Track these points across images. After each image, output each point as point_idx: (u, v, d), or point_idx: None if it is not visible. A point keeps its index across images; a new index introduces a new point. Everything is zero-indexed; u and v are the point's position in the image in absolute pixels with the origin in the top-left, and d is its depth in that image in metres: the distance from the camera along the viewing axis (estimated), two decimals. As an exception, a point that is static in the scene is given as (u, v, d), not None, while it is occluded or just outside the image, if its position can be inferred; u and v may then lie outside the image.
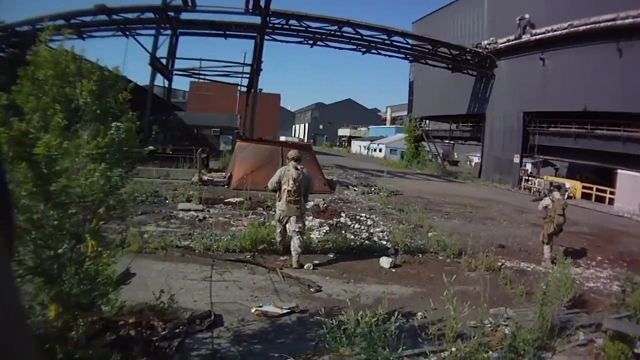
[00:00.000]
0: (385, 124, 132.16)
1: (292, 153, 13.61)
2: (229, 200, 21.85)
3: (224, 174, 30.32)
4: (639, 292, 9.26)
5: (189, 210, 18.47)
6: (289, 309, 9.47)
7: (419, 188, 36.72)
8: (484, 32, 55.84)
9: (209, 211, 18.92)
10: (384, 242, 16.11)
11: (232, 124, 57.31)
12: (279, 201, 13.36)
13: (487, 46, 53.84)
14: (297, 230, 12.93)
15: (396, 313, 7.46)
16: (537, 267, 15.54)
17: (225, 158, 37.65)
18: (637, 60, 36.76)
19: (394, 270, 13.35)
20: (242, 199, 20.94)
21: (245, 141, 30.48)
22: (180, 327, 7.94)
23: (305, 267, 12.56)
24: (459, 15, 61.61)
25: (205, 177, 28.21)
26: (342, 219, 19.53)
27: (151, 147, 34.13)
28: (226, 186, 26.50)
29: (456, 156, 77.38)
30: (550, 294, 9.57)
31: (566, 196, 18.60)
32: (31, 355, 1.37)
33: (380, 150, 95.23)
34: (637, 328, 8.09)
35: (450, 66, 55.61)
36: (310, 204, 20.64)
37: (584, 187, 43.34)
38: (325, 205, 22.83)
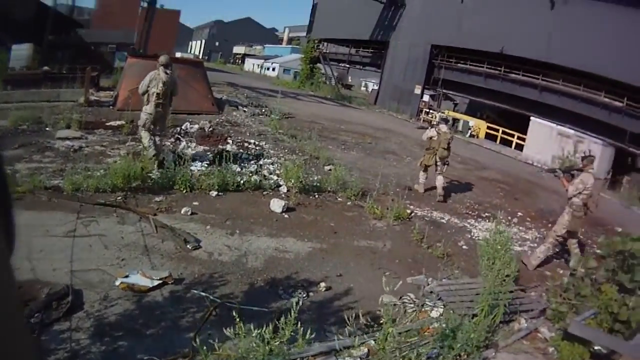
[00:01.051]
0: (281, 44, 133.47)
1: (162, 59, 14.12)
2: (110, 123, 19.94)
3: (112, 92, 28.16)
4: (607, 289, 7.62)
5: (67, 138, 16.74)
6: (160, 279, 8.16)
7: (313, 112, 35.44)
8: None
9: (86, 138, 17.18)
10: (275, 178, 15.02)
11: (128, 40, 55.43)
12: (147, 105, 13.99)
13: None
14: (157, 134, 14.55)
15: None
16: (452, 218, 14.70)
17: (118, 76, 34.90)
18: (570, 16, 36.02)
19: (286, 216, 12.25)
20: (123, 122, 19.11)
21: (136, 57, 28.17)
22: (35, 316, 6.74)
23: (182, 211, 11.36)
24: None
25: (92, 98, 26.19)
26: (228, 147, 18.14)
27: (45, 68, 32.69)
28: (111, 107, 24.61)
29: (350, 80, 76.57)
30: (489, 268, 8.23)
31: (452, 130, 18.01)
32: (30, 355, 1.24)
33: (273, 69, 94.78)
34: (614, 341, 6.91)
35: None
36: (195, 127, 20.46)
37: (488, 128, 42.62)
38: (210, 128, 21.23)
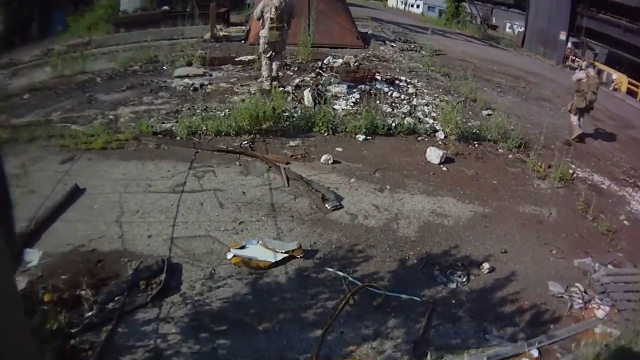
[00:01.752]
0: None
1: None
2: (240, 59, 17.81)
3: (244, 27, 26.23)
4: None
5: (186, 76, 14.91)
6: (285, 252, 6.43)
7: (463, 50, 31.67)
8: None
9: (210, 75, 15.40)
10: (431, 122, 12.83)
11: None
12: (262, 29, 13.74)
13: None
14: (277, 66, 13.94)
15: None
16: (612, 184, 12.84)
17: (249, 11, 33.35)
18: None
19: (445, 168, 10.32)
20: (255, 57, 16.81)
21: None
22: (116, 298, 5.56)
23: (322, 159, 9.85)
24: None
25: (220, 33, 24.19)
26: (376, 84, 15.62)
27: (165, 8, 31.21)
28: (243, 42, 22.47)
29: (494, 21, 73.45)
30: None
31: (603, 77, 17.84)
32: (30, 353, 1.37)
33: (417, 7, 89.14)
34: None
35: None
36: (339, 61, 17.94)
37: (630, 83, 37.34)
38: (356, 63, 18.24)
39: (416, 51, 25.00)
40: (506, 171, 11.11)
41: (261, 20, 13.80)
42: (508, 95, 19.34)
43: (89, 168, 8.64)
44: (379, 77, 16.51)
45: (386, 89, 14.96)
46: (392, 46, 25.61)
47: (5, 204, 1.37)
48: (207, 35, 22.44)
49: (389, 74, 17.35)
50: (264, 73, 13.99)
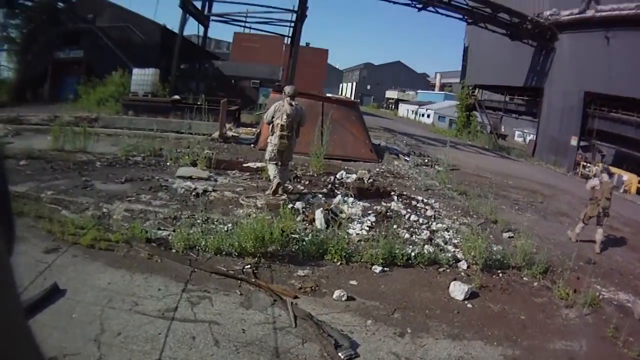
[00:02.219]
0: (433, 90, 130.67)
1: (288, 89, 13.85)
2: (248, 164, 17.34)
3: (254, 130, 26.01)
4: None
5: (190, 178, 14.07)
6: None
7: (476, 164, 31.94)
8: (545, 2, 50.21)
9: (215, 180, 14.64)
10: (452, 249, 11.76)
11: (273, 76, 53.30)
12: (271, 136, 13.61)
13: (549, 17, 48.33)
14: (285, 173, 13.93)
15: None
16: (638, 300, 11.78)
17: (261, 111, 33.29)
18: None
19: (469, 305, 9.19)
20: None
21: (281, 92, 24.45)
22: None
23: (335, 295, 8.41)
24: None
25: (229, 133, 23.81)
26: (393, 204, 14.89)
27: (176, 97, 31.61)
28: (252, 145, 22.03)
29: (503, 129, 73.20)
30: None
31: (614, 181, 17.11)
32: (31, 356, 1.21)
33: (428, 116, 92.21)
34: None
35: (508, 33, 51.65)
36: (353, 177, 17.51)
37: None
38: (370, 179, 17.93)
39: (430, 166, 24.92)
40: (533, 303, 10.13)
41: (271, 126, 13.65)
42: (527, 213, 18.70)
43: (73, 267, 7.81)
44: (394, 197, 15.82)
45: (403, 212, 14.12)
46: (406, 160, 25.38)
47: (4, 206, 1.27)
48: (216, 134, 21.96)
49: (405, 193, 16.72)
50: (271, 174, 13.71)
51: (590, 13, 43.30)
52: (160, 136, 20.52)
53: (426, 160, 27.37)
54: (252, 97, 48.70)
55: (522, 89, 56.39)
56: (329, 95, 60.02)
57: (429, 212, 14.67)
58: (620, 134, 40.41)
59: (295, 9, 42.88)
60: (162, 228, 9.90)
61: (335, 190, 15.18)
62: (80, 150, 16.40)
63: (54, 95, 42.98)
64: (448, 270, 10.63)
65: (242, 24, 52.48)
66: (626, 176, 37.22)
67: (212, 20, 47.56)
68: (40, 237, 8.82)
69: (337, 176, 17.27)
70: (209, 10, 45.18)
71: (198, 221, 10.22)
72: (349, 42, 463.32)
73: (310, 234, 10.52)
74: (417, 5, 46.99)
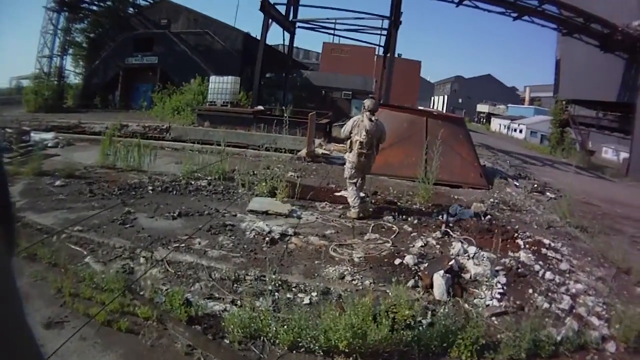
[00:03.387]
0: (523, 104, 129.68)
1: (368, 102, 12.79)
2: (341, 193, 13.86)
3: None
4: None
5: (265, 213, 11.01)
6: None
7: (580, 187, 27.19)
8: (634, 11, 46.99)
9: (299, 218, 11.38)
10: (598, 323, 8.43)
11: (366, 88, 51.36)
12: (349, 152, 12.74)
13: (638, 28, 45.50)
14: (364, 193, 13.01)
15: None
16: None
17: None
18: None
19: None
20: (362, 194, 13.21)
21: (380, 107, 20.44)
22: None
23: None
24: None
25: (318, 150, 21.08)
26: (522, 254, 11.24)
27: (260, 108, 29.60)
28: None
29: (590, 146, 70.07)
30: None
31: None
32: (32, 357, 1.26)
33: (520, 131, 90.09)
34: None
35: (599, 45, 48.37)
36: (469, 213, 14.12)
37: None
38: (487, 215, 14.41)
39: (541, 192, 22.29)
40: None
41: (349, 142, 12.68)
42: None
43: (76, 356, 5.49)
44: (520, 242, 12.47)
45: (536, 266, 10.75)
46: (516, 185, 22.55)
47: (5, 203, 1.20)
48: (303, 152, 19.32)
49: (527, 233, 13.45)
50: (351, 200, 12.41)
51: None
52: (237, 152, 18.03)
53: (535, 185, 24.30)
54: (344, 109, 46.73)
55: (614, 105, 53.54)
56: (429, 109, 57.88)
57: (563, 265, 11.29)
58: None
59: (388, 15, 40.54)
60: (215, 298, 7.01)
61: (451, 233, 11.94)
62: (133, 169, 14.14)
63: (126, 103, 42.80)
64: (596, 358, 7.61)
65: (331, 31, 50.05)
66: None
67: (299, 27, 45.67)
68: (46, 299, 6.80)
69: (450, 211, 13.99)
70: (294, 16, 43.28)
71: (269, 287, 7.10)
72: (439, 55, 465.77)
73: (429, 314, 7.44)
74: (512, 14, 44.90)
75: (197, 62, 40.60)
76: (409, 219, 12.51)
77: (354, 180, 12.50)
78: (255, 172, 14.46)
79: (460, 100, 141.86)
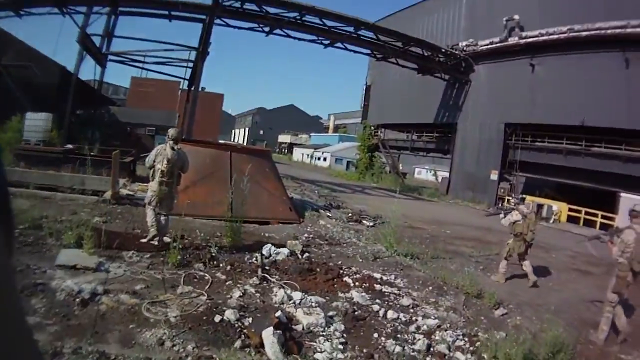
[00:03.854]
0: (327, 132, 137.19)
1: (171, 132, 13.29)
2: (147, 239, 13.25)
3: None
4: None
5: (74, 267, 10.11)
6: None
7: (402, 211, 28.41)
8: (460, 33, 51.50)
9: (107, 271, 10.34)
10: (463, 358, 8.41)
11: (170, 122, 50.21)
12: (152, 181, 12.99)
13: (465, 48, 49.35)
14: (163, 214, 12.94)
15: None
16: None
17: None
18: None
19: None
20: (168, 240, 12.95)
21: (182, 142, 20.24)
22: None
23: None
24: (427, 16, 57.08)
25: (123, 191, 20.47)
26: (354, 294, 10.95)
27: (68, 146, 28.87)
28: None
29: (401, 168, 72.15)
30: None
31: (544, 212, 17.44)
32: (32, 356, 1.33)
33: (324, 159, 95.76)
34: None
35: (418, 68, 51.37)
36: (284, 252, 13.78)
37: (570, 210, 39.97)
38: (306, 253, 14.30)
39: (358, 221, 23.01)
40: None
41: (152, 171, 12.96)
42: (496, 272, 16.06)
43: None
44: (349, 279, 12.11)
45: (375, 306, 10.33)
46: (328, 216, 22.69)
47: (4, 203, 1.25)
48: (108, 194, 18.56)
49: (355, 270, 13.15)
50: (149, 220, 13.00)
51: (513, 40, 44.46)
52: (47, 196, 17.15)
53: (350, 214, 25.01)
54: (148, 145, 44.31)
55: (431, 126, 56.39)
56: (234, 143, 57.80)
57: (405, 300, 11.03)
58: (549, 163, 41.14)
59: (196, 46, 40.91)
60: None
61: (269, 277, 11.38)
62: None
63: None
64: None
65: (140, 64, 49.81)
66: (556, 206, 38.66)
67: (110, 60, 44.99)
68: None
69: (264, 252, 13.48)
70: (107, 48, 42.50)
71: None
72: (240, 87, 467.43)
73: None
74: (324, 42, 46.31)
75: (18, 97, 39.07)
76: (221, 264, 12.00)
77: (153, 206, 12.81)
78: (62, 219, 13.71)
79: (261, 132, 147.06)
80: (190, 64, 46.46)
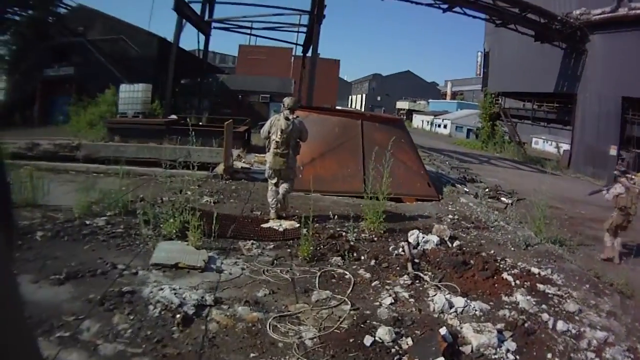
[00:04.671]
0: (445, 99, 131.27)
1: (287, 100, 12.45)
2: (270, 225, 11.21)
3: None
4: None
5: (175, 266, 7.89)
6: None
7: (531, 186, 23.36)
8: (573, 1, 47.28)
9: (218, 272, 8.11)
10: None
11: (285, 90, 49.35)
12: (267, 152, 12.38)
13: (579, 17, 45.25)
14: (281, 191, 12.09)
15: None
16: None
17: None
18: None
19: None
20: (294, 225, 11.00)
21: (304, 110, 18.35)
22: None
23: None
24: None
25: (237, 164, 18.55)
26: (518, 297, 8.59)
27: (173, 117, 27.68)
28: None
29: (517, 137, 69.23)
30: None
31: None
32: (32, 356, 1.42)
33: (445, 127, 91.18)
34: None
35: (535, 35, 48.04)
36: (433, 240, 11.07)
37: None
38: (455, 240, 11.66)
39: (496, 197, 21.52)
40: None
41: (267, 142, 12.32)
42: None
43: None
44: (509, 277, 9.56)
45: (543, 315, 8.11)
46: (466, 191, 20.31)
47: (5, 204, 1.43)
48: (220, 168, 16.53)
49: (510, 262, 10.72)
50: (270, 200, 12.19)
51: (623, 11, 41.29)
52: (145, 174, 15.31)
53: (487, 190, 22.64)
54: (262, 113, 43.97)
55: (551, 95, 53.04)
56: (362, 110, 56.28)
57: (570, 306, 8.69)
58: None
59: (309, 9, 38.70)
60: None
61: (422, 276, 9.00)
62: (28, 205, 10.96)
63: (45, 118, 40.57)
64: None
65: (247, 30, 48.37)
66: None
67: (214, 27, 43.66)
68: None
69: (411, 240, 10.89)
70: (209, 15, 41.19)
71: None
72: (355, 53, 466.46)
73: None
74: (442, 6, 43.40)
75: (112, 70, 38.60)
76: (362, 257, 9.64)
77: (274, 181, 12.16)
78: (163, 200, 11.90)
79: (379, 98, 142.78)
80: (302, 29, 45.39)
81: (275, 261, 8.99)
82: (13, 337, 1.16)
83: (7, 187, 1.41)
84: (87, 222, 10.03)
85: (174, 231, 9.33)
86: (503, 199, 20.40)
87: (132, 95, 29.37)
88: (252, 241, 9.78)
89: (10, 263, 1.23)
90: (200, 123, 26.86)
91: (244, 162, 19.61)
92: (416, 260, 9.77)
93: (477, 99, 72.46)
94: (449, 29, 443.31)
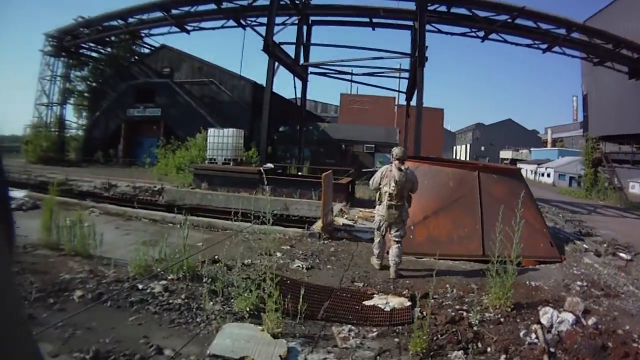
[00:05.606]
0: (545, 146, 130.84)
1: (396, 151, 12.00)
2: (373, 300, 8.80)
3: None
4: None
5: None
6: None
7: None
8: None
9: None
10: None
11: (390, 139, 47.97)
12: (379, 204, 11.89)
13: None
14: (396, 239, 11.49)
15: None
16: None
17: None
18: None
19: None
20: (404, 303, 8.71)
21: (413, 160, 15.81)
22: None
23: None
24: (629, 12, 49.85)
25: (339, 220, 16.75)
26: None
27: (269, 165, 26.49)
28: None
29: (616, 181, 66.75)
30: None
31: None
32: (31, 355, 1.40)
33: (548, 175, 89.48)
34: None
35: (629, 71, 44.81)
36: (568, 320, 8.53)
37: None
38: (586, 312, 9.48)
39: (612, 253, 17.71)
40: None
41: (378, 194, 11.82)
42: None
43: None
44: None
45: None
46: (585, 248, 17.71)
47: (4, 205, 1.40)
48: (317, 226, 14.59)
49: None
50: (375, 251, 11.88)
51: None
52: (227, 228, 13.79)
53: (605, 245, 19.69)
54: (367, 164, 43.31)
55: None
56: (474, 161, 55.15)
57: None
58: None
59: (409, 52, 38.55)
60: None
61: None
62: (79, 253, 9.72)
63: (129, 158, 41.53)
64: None
65: (346, 76, 47.86)
66: None
67: (311, 73, 43.13)
68: None
69: (544, 322, 8.60)
70: (305, 59, 40.65)
71: None
72: (454, 102, 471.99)
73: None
74: (541, 46, 42.80)
75: (202, 114, 38.95)
76: (489, 349, 7.31)
77: (382, 232, 11.77)
78: (244, 263, 9.90)
79: (482, 148, 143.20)
80: (404, 74, 44.52)
81: (379, 356, 6.66)
82: (13, 337, 1.15)
83: (7, 187, 1.36)
84: (140, 287, 8.30)
85: (248, 309, 7.40)
86: (621, 254, 17.76)
87: (221, 140, 28.83)
88: (350, 326, 7.60)
89: (11, 263, 1.27)
90: (300, 173, 25.45)
91: (346, 217, 17.93)
92: (551, 350, 7.58)
93: (576, 145, 71.99)
94: (543, 75, 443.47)
